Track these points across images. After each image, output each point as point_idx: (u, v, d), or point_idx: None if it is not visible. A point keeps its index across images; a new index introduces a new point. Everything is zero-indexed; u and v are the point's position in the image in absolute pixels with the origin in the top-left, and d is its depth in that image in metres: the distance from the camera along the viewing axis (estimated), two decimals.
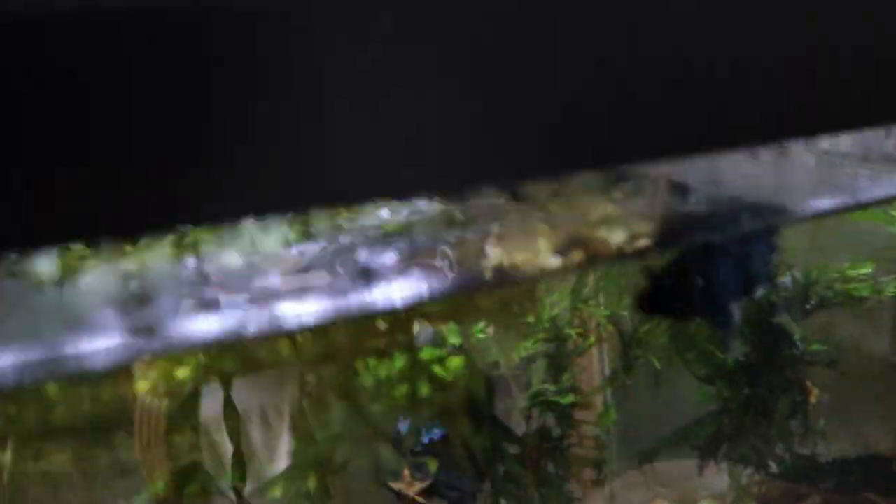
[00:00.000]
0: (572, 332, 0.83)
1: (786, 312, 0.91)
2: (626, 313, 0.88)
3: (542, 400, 0.85)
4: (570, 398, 0.85)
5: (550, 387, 0.83)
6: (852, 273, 0.90)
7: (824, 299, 0.92)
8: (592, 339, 0.88)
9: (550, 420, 0.92)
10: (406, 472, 0.93)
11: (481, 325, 0.79)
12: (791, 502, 0.98)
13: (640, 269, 0.45)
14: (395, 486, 0.93)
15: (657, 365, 0.86)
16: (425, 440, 0.93)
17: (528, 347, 0.80)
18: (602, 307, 0.89)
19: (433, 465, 0.92)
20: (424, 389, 0.80)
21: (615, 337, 0.91)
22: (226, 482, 0.74)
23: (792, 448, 0.96)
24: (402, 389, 0.86)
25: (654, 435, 1.01)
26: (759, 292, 0.47)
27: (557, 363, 0.87)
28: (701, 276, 0.44)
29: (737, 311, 0.45)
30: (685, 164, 0.40)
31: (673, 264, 0.44)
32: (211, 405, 0.74)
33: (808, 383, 0.99)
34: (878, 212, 0.90)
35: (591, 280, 0.90)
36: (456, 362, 0.76)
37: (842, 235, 0.95)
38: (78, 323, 0.30)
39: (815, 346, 0.94)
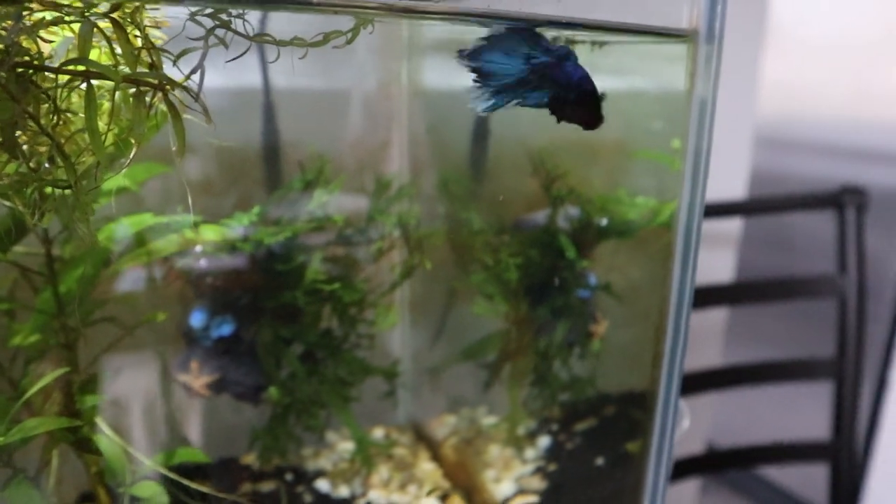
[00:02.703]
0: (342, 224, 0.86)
1: (570, 240, 0.97)
2: (413, 221, 0.92)
3: (322, 295, 0.87)
4: (351, 295, 0.88)
5: (323, 282, 0.85)
6: (632, 204, 0.96)
7: (607, 229, 0.97)
8: (380, 243, 0.91)
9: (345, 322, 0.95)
10: (194, 365, 0.94)
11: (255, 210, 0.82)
12: (569, 423, 1.03)
13: None
14: (183, 378, 0.95)
15: (428, 265, 0.90)
16: (215, 335, 0.95)
17: (294, 230, 0.82)
18: (394, 216, 0.93)
19: (222, 360, 0.94)
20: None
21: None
22: None
23: (572, 372, 1.01)
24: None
25: (446, 350, 1.05)
26: None
27: (344, 262, 0.90)
28: None
29: None
30: None
31: None
32: None
33: (598, 314, 1.05)
34: (662, 153, 0.96)
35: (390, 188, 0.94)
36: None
37: (632, 175, 1.01)
38: None
39: (598, 274, 0.99)
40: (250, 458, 0.99)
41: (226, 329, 0.95)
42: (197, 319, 0.96)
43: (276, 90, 0.98)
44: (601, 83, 1.04)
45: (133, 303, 0.84)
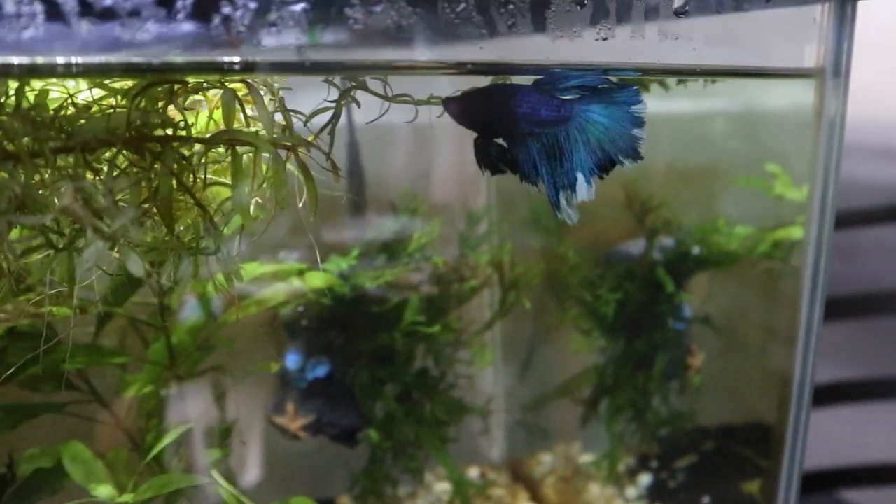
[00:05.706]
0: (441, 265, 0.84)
1: (666, 272, 0.94)
2: (507, 258, 0.91)
3: (418, 336, 0.86)
4: (447, 336, 0.87)
5: (422, 323, 0.84)
6: (731, 234, 0.93)
7: (705, 260, 0.95)
8: (474, 282, 0.90)
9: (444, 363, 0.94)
10: (290, 408, 0.94)
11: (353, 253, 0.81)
12: (669, 459, 1.00)
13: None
14: (279, 420, 0.95)
15: (527, 305, 0.88)
16: (310, 377, 0.94)
17: (395, 273, 0.82)
18: (487, 253, 0.91)
19: (317, 402, 0.94)
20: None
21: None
22: None
23: (671, 406, 0.98)
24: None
25: (539, 386, 1.03)
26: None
27: (439, 302, 0.89)
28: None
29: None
30: None
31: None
32: None
33: (694, 346, 1.02)
34: (757, 178, 0.94)
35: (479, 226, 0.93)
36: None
37: (724, 200, 0.99)
38: None
39: (694, 305, 0.97)
40: (345, 500, 0.98)
41: (321, 371, 0.95)
42: (292, 361, 0.96)
43: (359, 126, 0.98)
44: (682, 106, 1.02)
45: (233, 347, 0.84)
